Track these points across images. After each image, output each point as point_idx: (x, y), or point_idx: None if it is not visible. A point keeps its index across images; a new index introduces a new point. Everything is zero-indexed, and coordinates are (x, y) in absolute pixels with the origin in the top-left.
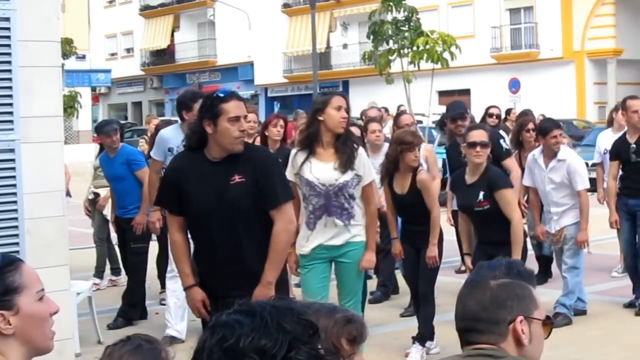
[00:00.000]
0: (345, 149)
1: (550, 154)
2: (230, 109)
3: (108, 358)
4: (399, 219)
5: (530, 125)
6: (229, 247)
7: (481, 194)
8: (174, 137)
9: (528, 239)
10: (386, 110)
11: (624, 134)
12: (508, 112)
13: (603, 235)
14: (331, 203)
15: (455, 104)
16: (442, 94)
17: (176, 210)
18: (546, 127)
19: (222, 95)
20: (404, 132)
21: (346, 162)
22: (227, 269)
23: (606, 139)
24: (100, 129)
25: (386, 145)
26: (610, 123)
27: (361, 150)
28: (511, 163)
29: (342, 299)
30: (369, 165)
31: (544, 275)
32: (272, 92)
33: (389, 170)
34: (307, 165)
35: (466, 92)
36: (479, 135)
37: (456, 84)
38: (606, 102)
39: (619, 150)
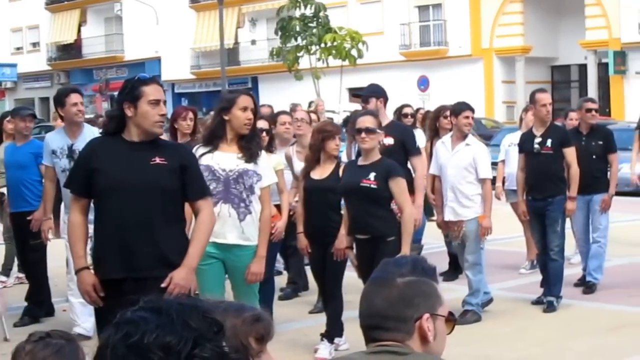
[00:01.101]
0: (250, 145)
1: (460, 135)
2: (150, 92)
3: (29, 357)
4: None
5: (447, 112)
6: (140, 226)
7: (372, 174)
8: (57, 139)
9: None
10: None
11: (531, 129)
12: (416, 111)
13: (511, 234)
14: (230, 190)
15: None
16: (352, 90)
17: (84, 192)
18: (459, 108)
19: (142, 78)
20: (325, 122)
21: (250, 155)
22: (137, 248)
23: (512, 139)
24: (17, 112)
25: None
26: (520, 125)
27: (264, 154)
28: (418, 162)
29: (237, 299)
30: (270, 170)
31: (454, 271)
32: (179, 88)
33: (313, 158)
34: (209, 155)
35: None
36: (364, 122)
37: (365, 81)
38: (515, 102)
39: (524, 143)
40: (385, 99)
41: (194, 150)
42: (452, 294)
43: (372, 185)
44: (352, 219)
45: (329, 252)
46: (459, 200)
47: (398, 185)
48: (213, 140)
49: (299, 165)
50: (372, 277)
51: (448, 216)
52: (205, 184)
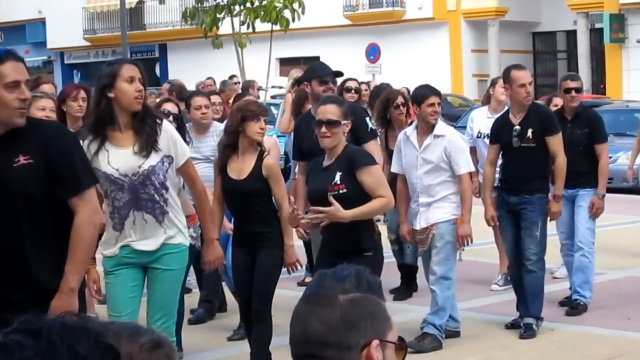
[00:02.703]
0: (144, 127)
1: (426, 127)
2: (6, 73)
3: None
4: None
5: (400, 100)
6: (6, 248)
7: (338, 175)
8: None
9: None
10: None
11: (507, 112)
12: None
13: (480, 240)
14: (139, 196)
15: None
16: (284, 62)
17: None
18: (422, 94)
19: None
20: (247, 100)
21: (147, 143)
22: (2, 276)
23: (480, 120)
24: None
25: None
26: (487, 100)
27: (167, 125)
28: (374, 148)
29: (152, 317)
30: (179, 143)
31: (407, 287)
32: (70, 58)
33: (228, 147)
34: (103, 155)
35: (314, 60)
36: (325, 112)
37: (302, 51)
38: (487, 75)
39: (499, 132)
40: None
41: (84, 146)
42: (404, 315)
43: (342, 191)
44: (326, 228)
45: (261, 260)
46: (430, 203)
47: (370, 174)
48: (100, 128)
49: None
50: (306, 294)
51: (420, 224)
52: (85, 174)
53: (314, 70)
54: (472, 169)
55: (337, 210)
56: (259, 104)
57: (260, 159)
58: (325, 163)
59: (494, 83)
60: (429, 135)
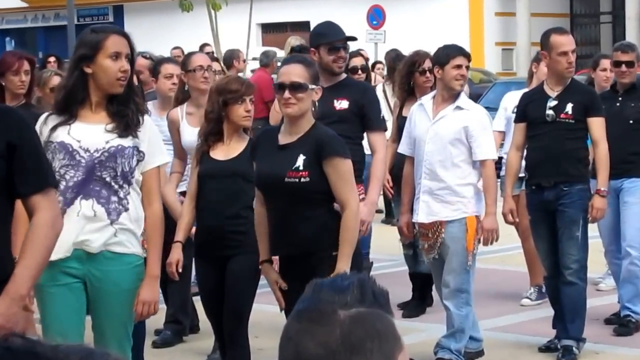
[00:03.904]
0: (126, 110)
1: (447, 95)
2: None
3: None
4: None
5: (428, 64)
6: None
7: (300, 159)
8: None
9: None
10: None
11: (540, 85)
12: (373, 65)
13: (508, 243)
14: (93, 179)
15: None
16: (267, 28)
17: None
18: (446, 53)
19: None
20: (227, 79)
21: (125, 126)
22: None
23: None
24: None
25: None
26: (530, 80)
27: (149, 120)
28: (379, 140)
29: (100, 343)
30: (159, 145)
31: (420, 302)
32: (2, 23)
33: (209, 132)
34: (64, 128)
35: (303, 26)
36: (289, 73)
37: (288, 14)
38: (514, 43)
39: (529, 106)
40: None
41: (40, 123)
42: (416, 336)
43: (303, 179)
44: (275, 227)
45: (233, 267)
46: (434, 192)
47: (336, 169)
48: (70, 105)
49: (191, 135)
50: (299, 310)
51: (420, 216)
52: (47, 170)
53: (321, 35)
54: (496, 156)
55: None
56: (241, 80)
57: (249, 144)
58: (283, 140)
59: (538, 59)
60: (448, 106)
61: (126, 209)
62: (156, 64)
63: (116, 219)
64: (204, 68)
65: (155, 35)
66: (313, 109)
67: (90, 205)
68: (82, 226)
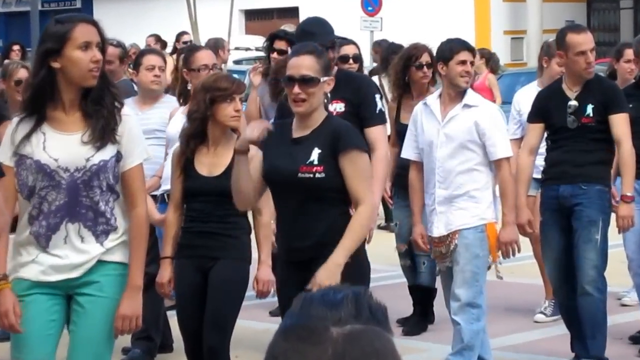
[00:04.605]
0: (101, 111)
1: (454, 94)
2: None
3: None
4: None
5: (426, 58)
6: None
7: (315, 152)
8: None
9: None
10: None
11: (558, 82)
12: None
13: (520, 253)
14: (79, 201)
15: None
16: (250, 15)
17: None
18: (450, 48)
19: None
20: (215, 75)
21: (103, 132)
22: None
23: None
24: None
25: None
26: (540, 72)
27: (126, 113)
28: (379, 135)
29: None
30: (138, 140)
31: (422, 318)
32: None
33: (194, 139)
34: (37, 139)
35: (291, 12)
36: (298, 65)
37: (274, 1)
38: (524, 32)
39: (547, 107)
40: None
41: (11, 131)
42: (418, 356)
43: (319, 175)
44: (283, 229)
45: (217, 273)
46: (451, 201)
47: (353, 163)
48: (39, 106)
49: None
50: (286, 326)
51: (438, 229)
52: None
53: (309, 34)
54: (512, 153)
55: (327, 272)
56: (231, 78)
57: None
58: (297, 133)
59: (549, 52)
60: (456, 105)
61: (114, 228)
62: (139, 55)
63: (105, 238)
64: (209, 67)
65: (127, 24)
66: (325, 100)
67: (77, 230)
68: (68, 257)
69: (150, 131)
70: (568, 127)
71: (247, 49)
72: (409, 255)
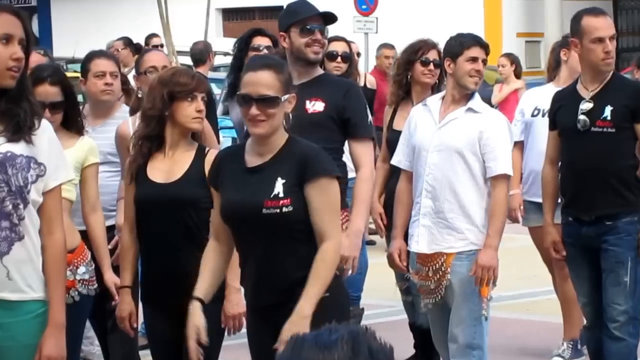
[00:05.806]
0: (16, 110)
1: (459, 95)
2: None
3: None
4: None
5: (433, 55)
6: None
7: (279, 183)
8: None
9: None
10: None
11: (574, 83)
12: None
13: (535, 287)
14: None
15: None
16: (229, 15)
17: None
18: (460, 43)
19: None
20: (174, 69)
21: (17, 126)
22: None
23: (538, 99)
24: None
25: None
26: (551, 74)
27: (47, 125)
28: (367, 150)
29: None
30: (62, 157)
31: (425, 359)
32: None
33: (148, 141)
34: None
35: (275, 12)
36: (256, 84)
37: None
38: (541, 34)
39: (561, 111)
40: None
41: None
42: None
43: (285, 208)
44: (248, 272)
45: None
46: (438, 214)
47: (322, 192)
48: None
49: None
50: None
51: (419, 244)
52: None
53: (292, 13)
54: (510, 170)
55: (294, 326)
56: (192, 73)
57: (200, 155)
58: (254, 161)
59: (563, 45)
60: (459, 107)
61: (20, 238)
62: (85, 59)
63: (6, 252)
64: (158, 69)
65: (89, 25)
66: (285, 121)
67: None
68: None
69: (101, 154)
70: (578, 130)
71: (226, 54)
72: (411, 290)
